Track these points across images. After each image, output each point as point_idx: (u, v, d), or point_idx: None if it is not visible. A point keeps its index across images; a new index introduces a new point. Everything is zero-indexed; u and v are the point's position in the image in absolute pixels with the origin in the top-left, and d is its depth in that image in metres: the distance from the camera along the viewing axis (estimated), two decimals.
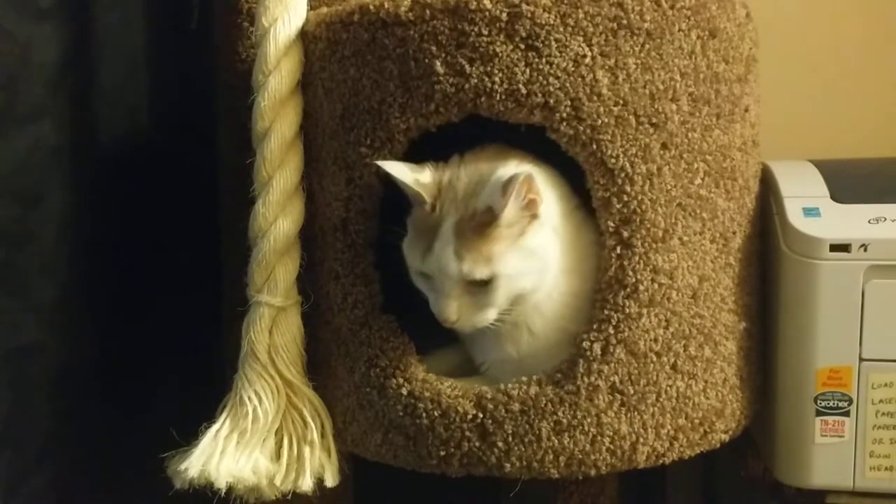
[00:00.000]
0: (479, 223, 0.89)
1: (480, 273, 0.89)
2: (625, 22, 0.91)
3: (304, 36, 1.02)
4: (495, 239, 0.89)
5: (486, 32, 0.90)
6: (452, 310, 0.90)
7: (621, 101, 0.91)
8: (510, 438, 0.92)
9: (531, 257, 0.91)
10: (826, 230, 1.00)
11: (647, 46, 0.92)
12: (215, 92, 1.14)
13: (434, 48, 0.92)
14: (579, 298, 0.94)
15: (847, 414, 1.01)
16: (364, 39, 0.95)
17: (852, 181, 1.09)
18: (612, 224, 0.92)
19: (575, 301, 0.94)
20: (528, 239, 0.90)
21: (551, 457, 0.93)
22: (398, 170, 0.92)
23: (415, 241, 0.92)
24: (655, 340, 0.93)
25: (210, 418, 0.99)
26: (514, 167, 0.91)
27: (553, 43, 0.90)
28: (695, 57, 0.94)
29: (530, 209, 0.90)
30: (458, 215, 0.90)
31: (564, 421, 0.92)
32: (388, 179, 0.96)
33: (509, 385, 0.93)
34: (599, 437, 0.93)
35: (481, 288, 0.90)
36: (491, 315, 0.91)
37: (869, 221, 1.01)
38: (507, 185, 0.87)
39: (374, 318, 0.98)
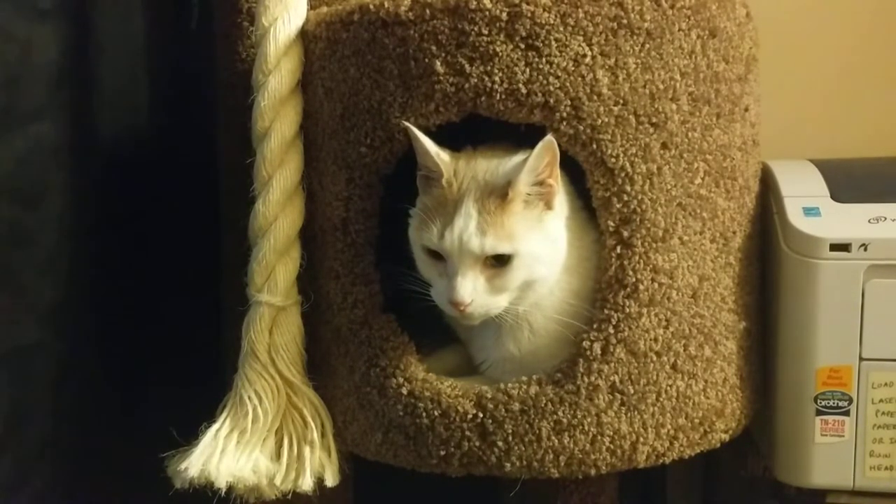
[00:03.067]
0: (500, 196, 0.89)
1: (503, 248, 0.88)
2: (625, 21, 0.91)
3: (304, 35, 1.02)
4: (517, 217, 0.90)
5: (486, 32, 0.90)
6: (467, 291, 0.89)
7: (621, 101, 0.91)
8: (510, 438, 0.92)
9: (550, 243, 0.91)
10: (826, 230, 1.00)
11: (647, 46, 0.92)
12: (215, 92, 1.13)
13: (434, 48, 0.92)
14: (579, 297, 0.94)
15: (847, 413, 1.01)
16: (364, 39, 0.95)
17: (852, 181, 1.09)
18: (612, 223, 0.92)
19: (575, 300, 0.94)
20: (547, 225, 0.91)
21: (551, 456, 0.93)
22: (424, 138, 0.91)
23: (430, 220, 0.91)
24: (655, 340, 0.93)
25: (210, 418, 0.99)
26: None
27: (553, 42, 0.90)
28: (695, 56, 0.94)
29: (546, 190, 0.90)
30: (479, 192, 0.90)
31: (564, 420, 0.92)
32: (387, 178, 0.97)
33: (509, 385, 0.93)
34: (599, 437, 0.93)
35: (498, 270, 0.89)
36: (503, 301, 0.91)
37: (869, 221, 1.01)
38: (527, 158, 0.88)
39: (374, 318, 0.97)
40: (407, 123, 0.92)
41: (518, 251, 0.89)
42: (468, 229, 0.89)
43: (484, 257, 0.89)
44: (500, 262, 0.89)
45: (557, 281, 0.93)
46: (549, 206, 0.91)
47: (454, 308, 0.90)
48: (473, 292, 0.89)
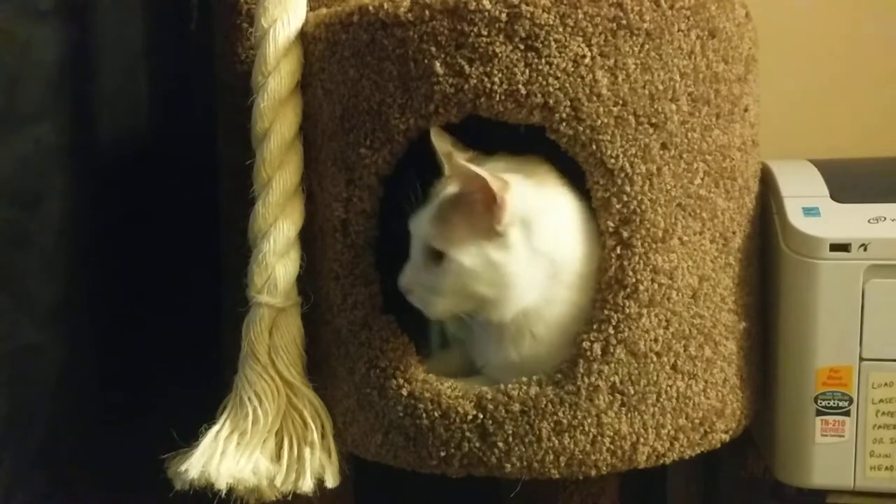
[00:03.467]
0: (459, 198, 0.91)
1: (434, 242, 0.90)
2: (624, 22, 0.91)
3: (303, 37, 1.02)
4: (464, 221, 0.90)
5: (485, 33, 0.90)
6: (407, 276, 0.92)
7: (621, 102, 0.91)
8: (510, 439, 0.92)
9: (489, 269, 0.90)
10: (826, 230, 1.00)
11: (646, 46, 0.92)
12: (215, 93, 1.14)
13: (433, 49, 0.92)
14: (582, 309, 0.94)
15: (847, 413, 1.01)
16: (363, 40, 0.95)
17: (852, 181, 1.09)
18: (611, 224, 0.92)
19: (579, 312, 0.94)
20: (491, 249, 0.90)
21: (552, 457, 0.93)
22: (440, 140, 0.93)
23: (420, 207, 0.94)
24: (655, 340, 0.93)
25: (210, 419, 0.99)
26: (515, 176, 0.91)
27: (552, 43, 0.90)
28: (694, 57, 0.94)
29: (483, 210, 0.89)
30: (456, 189, 0.92)
31: (565, 421, 0.92)
32: (387, 179, 0.97)
33: (509, 385, 0.93)
34: (600, 438, 0.93)
35: (435, 269, 0.91)
36: (439, 304, 0.91)
37: (869, 221, 1.00)
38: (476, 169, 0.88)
39: (374, 319, 0.97)
40: (433, 130, 0.92)
41: (448, 253, 0.90)
42: (423, 216, 0.92)
43: (427, 249, 0.91)
44: (437, 260, 0.91)
45: (557, 295, 0.93)
46: (495, 231, 0.89)
47: (399, 286, 0.93)
48: (413, 280, 0.92)
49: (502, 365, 0.96)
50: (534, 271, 0.91)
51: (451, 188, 0.93)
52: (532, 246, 0.91)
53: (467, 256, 0.90)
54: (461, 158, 0.91)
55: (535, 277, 0.92)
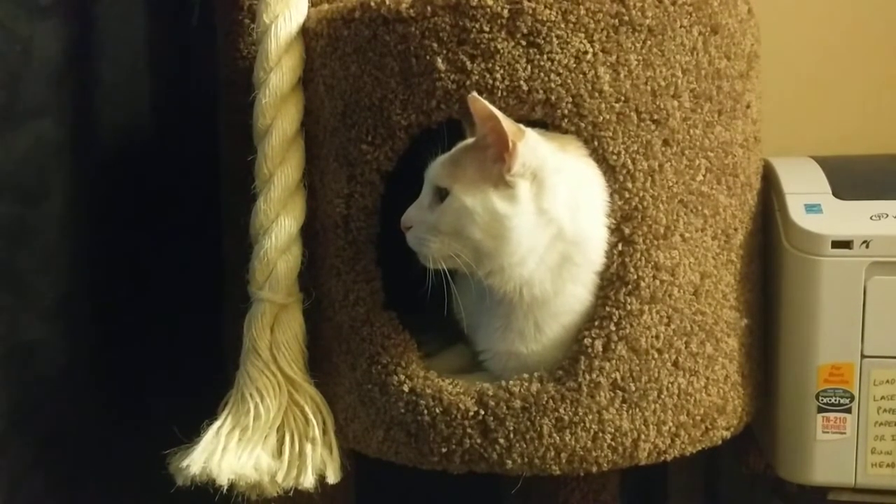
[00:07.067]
0: (474, 143, 0.92)
1: (443, 182, 0.91)
2: (626, 18, 0.91)
3: (305, 33, 1.02)
4: (474, 164, 0.90)
5: (487, 29, 0.90)
6: (413, 212, 0.93)
7: (623, 98, 0.91)
8: (511, 435, 0.92)
9: (490, 216, 0.89)
10: (828, 227, 1.00)
11: (648, 43, 0.92)
12: (217, 89, 1.14)
13: (435, 45, 0.92)
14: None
15: (849, 410, 1.01)
16: (365, 36, 0.95)
17: (854, 177, 1.09)
18: (613, 221, 0.92)
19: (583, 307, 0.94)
20: (496, 197, 0.89)
21: (553, 453, 0.93)
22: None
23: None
24: (657, 337, 0.93)
25: (212, 415, 0.99)
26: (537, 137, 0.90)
27: (554, 39, 0.90)
28: (696, 53, 0.94)
29: (495, 157, 0.89)
30: (471, 140, 0.93)
31: (566, 418, 0.92)
32: (388, 176, 0.97)
33: (511, 382, 0.93)
34: (601, 434, 0.93)
35: (438, 208, 0.91)
36: (434, 244, 0.91)
37: (871, 218, 1.00)
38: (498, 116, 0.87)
39: (376, 315, 0.97)
40: (474, 94, 0.88)
41: (452, 191, 0.90)
42: (438, 160, 0.93)
43: (434, 189, 0.92)
44: (441, 200, 0.91)
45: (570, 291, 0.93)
46: (504, 180, 0.89)
47: (404, 231, 0.93)
48: (414, 217, 0.93)
49: (506, 354, 0.95)
50: (538, 233, 0.90)
51: (470, 139, 0.93)
52: (541, 206, 0.90)
53: (469, 197, 0.90)
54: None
55: (538, 241, 0.90)
